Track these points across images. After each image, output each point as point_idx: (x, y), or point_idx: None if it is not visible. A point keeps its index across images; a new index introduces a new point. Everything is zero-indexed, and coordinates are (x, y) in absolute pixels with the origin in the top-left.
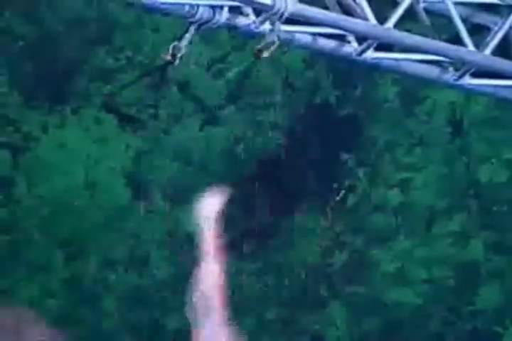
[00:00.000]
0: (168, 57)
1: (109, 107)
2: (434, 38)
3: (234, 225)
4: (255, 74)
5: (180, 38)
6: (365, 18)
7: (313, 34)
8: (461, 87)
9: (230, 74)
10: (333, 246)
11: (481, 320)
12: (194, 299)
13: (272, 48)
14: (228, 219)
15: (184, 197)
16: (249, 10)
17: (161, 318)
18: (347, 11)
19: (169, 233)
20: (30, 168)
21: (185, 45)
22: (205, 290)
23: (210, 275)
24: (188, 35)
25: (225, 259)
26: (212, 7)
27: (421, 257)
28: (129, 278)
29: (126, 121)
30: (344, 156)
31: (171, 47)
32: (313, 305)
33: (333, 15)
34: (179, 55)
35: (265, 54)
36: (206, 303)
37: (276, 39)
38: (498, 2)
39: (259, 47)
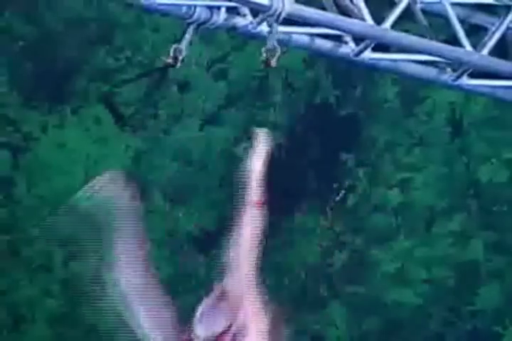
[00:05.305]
0: (170, 60)
1: (108, 107)
2: (431, 38)
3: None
4: (255, 74)
5: (180, 40)
6: (363, 19)
7: (311, 35)
8: (459, 88)
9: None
10: (333, 246)
11: (481, 320)
12: (230, 252)
13: (277, 55)
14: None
15: (184, 197)
16: (246, 10)
17: None
18: (344, 12)
19: (169, 233)
20: (30, 168)
21: (186, 47)
22: (242, 243)
23: (251, 226)
24: (187, 37)
25: (267, 213)
26: (210, 8)
27: (421, 257)
28: None
29: (125, 120)
30: (344, 156)
31: (172, 49)
32: (313, 305)
33: (330, 16)
34: (180, 58)
35: (273, 63)
36: (239, 257)
37: (276, 43)
38: (496, 2)
39: (264, 56)
